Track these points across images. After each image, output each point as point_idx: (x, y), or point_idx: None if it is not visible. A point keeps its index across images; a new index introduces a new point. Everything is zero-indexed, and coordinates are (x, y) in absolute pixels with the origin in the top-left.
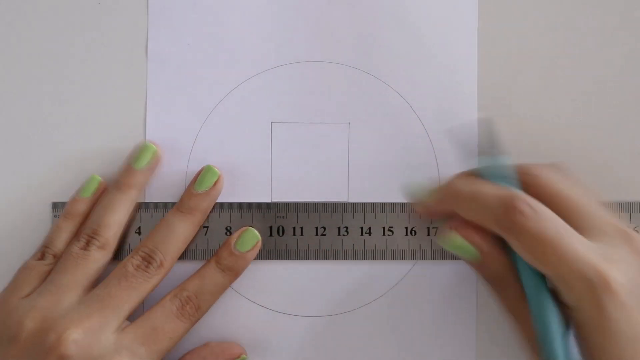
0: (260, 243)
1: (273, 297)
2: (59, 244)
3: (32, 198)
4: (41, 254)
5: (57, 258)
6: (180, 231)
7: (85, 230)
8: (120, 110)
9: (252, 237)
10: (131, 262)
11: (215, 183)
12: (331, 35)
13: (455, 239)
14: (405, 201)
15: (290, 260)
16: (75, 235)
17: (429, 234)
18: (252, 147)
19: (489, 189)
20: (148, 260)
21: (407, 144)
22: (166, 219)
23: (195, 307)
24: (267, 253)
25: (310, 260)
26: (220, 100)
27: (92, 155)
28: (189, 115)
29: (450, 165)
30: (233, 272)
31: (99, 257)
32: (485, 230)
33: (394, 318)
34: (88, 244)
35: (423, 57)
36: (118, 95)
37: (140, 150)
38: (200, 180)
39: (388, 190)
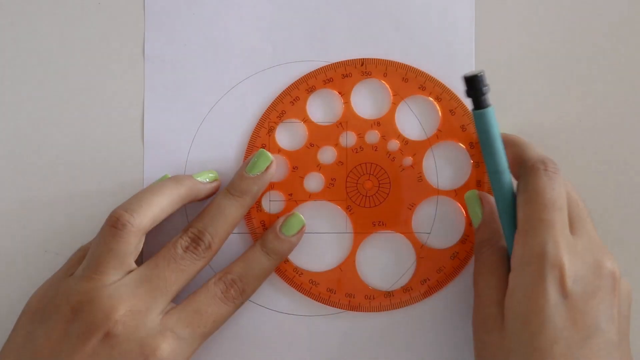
0: (305, 227)
1: (273, 297)
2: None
3: (30, 196)
4: None
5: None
6: (230, 213)
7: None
8: (118, 111)
9: (297, 221)
10: (180, 243)
11: (267, 167)
12: (328, 35)
13: (473, 195)
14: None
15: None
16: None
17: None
18: (251, 147)
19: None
20: (197, 241)
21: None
22: (216, 201)
23: (240, 291)
24: None
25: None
26: (217, 100)
27: (90, 154)
28: (187, 115)
29: (449, 164)
30: (278, 256)
31: (129, 240)
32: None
33: (394, 318)
34: (118, 224)
35: (421, 56)
36: (115, 95)
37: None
38: (253, 164)
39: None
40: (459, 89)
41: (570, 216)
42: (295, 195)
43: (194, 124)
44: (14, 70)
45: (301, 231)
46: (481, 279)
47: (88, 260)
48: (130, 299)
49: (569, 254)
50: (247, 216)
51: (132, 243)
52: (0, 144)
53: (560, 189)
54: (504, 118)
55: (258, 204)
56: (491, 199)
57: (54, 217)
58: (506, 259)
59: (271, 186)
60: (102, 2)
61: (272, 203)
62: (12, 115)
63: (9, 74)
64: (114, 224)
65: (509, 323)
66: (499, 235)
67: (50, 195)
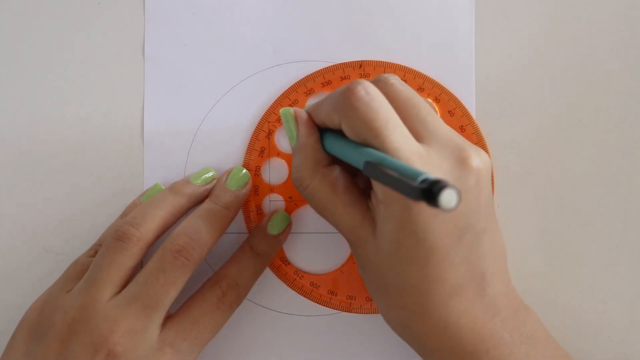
0: (291, 225)
1: (273, 297)
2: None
3: (30, 196)
4: (94, 251)
5: None
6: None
7: (125, 222)
8: (118, 111)
9: (282, 219)
10: (166, 252)
11: (285, 227)
12: (328, 35)
13: (289, 112)
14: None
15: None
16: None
17: None
18: (250, 151)
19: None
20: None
21: None
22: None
23: (236, 295)
24: None
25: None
26: (217, 100)
27: (90, 154)
28: (187, 115)
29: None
30: (267, 255)
31: (134, 252)
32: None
33: None
34: (124, 237)
35: (419, 58)
36: (115, 95)
37: (202, 169)
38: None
39: None
40: (458, 89)
41: (410, 124)
42: (295, 198)
43: (194, 124)
44: (14, 70)
45: (288, 228)
46: (337, 209)
47: (88, 273)
48: (125, 318)
49: (425, 168)
50: (247, 219)
51: (136, 256)
52: (0, 144)
53: (377, 105)
54: (503, 118)
55: (258, 207)
56: (305, 116)
57: (54, 217)
58: (348, 178)
59: (271, 189)
60: (102, 2)
61: (272, 205)
62: (12, 116)
63: (9, 74)
64: (120, 237)
65: (384, 246)
66: (321, 157)
67: (50, 195)
